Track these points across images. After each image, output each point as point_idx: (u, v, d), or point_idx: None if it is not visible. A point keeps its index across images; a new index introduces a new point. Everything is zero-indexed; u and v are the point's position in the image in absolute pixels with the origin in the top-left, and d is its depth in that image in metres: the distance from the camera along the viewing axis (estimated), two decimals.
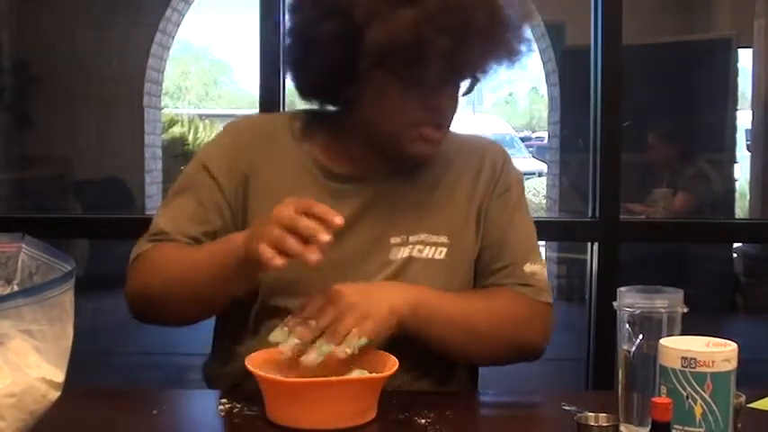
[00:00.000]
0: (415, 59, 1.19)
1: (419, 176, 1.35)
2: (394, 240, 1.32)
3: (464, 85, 1.30)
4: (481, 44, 1.21)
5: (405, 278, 1.30)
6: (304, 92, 1.35)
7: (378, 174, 1.33)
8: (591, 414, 1.02)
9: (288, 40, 1.32)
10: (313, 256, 1.07)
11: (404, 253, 1.32)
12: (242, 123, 1.43)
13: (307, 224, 1.07)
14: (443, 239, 1.33)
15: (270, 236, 1.08)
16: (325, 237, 1.07)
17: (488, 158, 1.40)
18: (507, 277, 1.34)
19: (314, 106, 1.37)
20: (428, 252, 1.32)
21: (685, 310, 1.08)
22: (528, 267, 1.34)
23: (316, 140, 1.36)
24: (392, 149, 1.30)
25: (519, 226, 1.38)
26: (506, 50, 1.25)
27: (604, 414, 1.02)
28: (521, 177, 1.42)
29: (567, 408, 1.14)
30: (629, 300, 1.07)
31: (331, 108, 1.36)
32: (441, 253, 1.32)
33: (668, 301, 1.06)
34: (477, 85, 1.30)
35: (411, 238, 1.32)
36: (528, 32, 1.28)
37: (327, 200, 1.26)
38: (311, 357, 1.13)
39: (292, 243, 1.07)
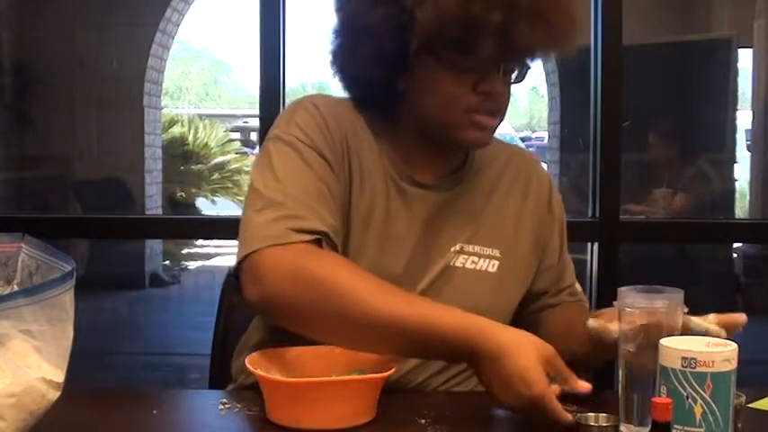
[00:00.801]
0: (465, 38, 1.18)
1: (476, 187, 1.36)
2: (453, 249, 1.32)
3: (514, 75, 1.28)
4: (531, 21, 1.19)
5: (458, 287, 1.30)
6: (354, 88, 1.32)
7: (439, 181, 1.32)
8: (591, 414, 1.02)
9: (334, 39, 1.30)
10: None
11: (459, 263, 1.31)
12: (318, 101, 1.30)
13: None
14: (496, 253, 1.34)
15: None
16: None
17: (534, 177, 1.42)
18: (570, 296, 1.44)
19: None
20: (482, 264, 1.32)
21: (685, 310, 1.08)
22: (577, 286, 1.46)
23: (382, 135, 1.31)
24: (445, 138, 1.28)
25: (566, 248, 1.46)
26: (556, 30, 1.23)
27: (604, 414, 1.02)
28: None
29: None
30: (629, 300, 1.07)
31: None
32: (493, 266, 1.33)
33: (668, 301, 1.06)
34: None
35: (466, 248, 1.32)
36: (578, 15, 1.26)
37: (401, 202, 1.29)
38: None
39: None
